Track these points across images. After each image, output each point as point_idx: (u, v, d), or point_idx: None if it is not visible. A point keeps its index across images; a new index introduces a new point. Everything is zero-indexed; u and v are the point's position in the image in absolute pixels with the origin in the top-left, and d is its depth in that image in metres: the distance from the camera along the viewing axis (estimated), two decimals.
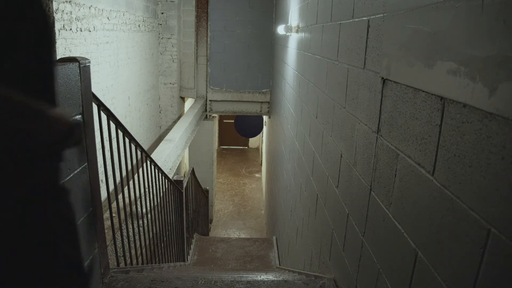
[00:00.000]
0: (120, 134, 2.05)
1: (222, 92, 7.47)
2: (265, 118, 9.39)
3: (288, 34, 3.95)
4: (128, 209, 2.52)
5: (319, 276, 1.97)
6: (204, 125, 7.58)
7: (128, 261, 2.32)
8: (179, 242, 3.80)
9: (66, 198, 1.11)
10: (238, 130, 9.50)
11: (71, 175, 1.26)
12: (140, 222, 2.72)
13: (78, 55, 2.01)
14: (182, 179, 3.78)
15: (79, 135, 1.12)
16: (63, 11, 3.28)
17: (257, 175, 10.50)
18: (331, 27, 2.03)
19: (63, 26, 3.30)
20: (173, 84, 7.30)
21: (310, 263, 2.44)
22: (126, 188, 2.28)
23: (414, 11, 1.00)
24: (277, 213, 5.15)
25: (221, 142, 12.95)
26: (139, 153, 2.35)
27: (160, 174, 2.95)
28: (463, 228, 0.75)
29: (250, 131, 9.61)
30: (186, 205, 4.08)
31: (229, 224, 7.78)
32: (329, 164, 1.98)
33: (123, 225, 2.16)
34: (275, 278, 2.15)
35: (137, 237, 2.44)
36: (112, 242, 2.03)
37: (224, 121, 12.74)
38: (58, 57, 1.30)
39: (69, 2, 3.38)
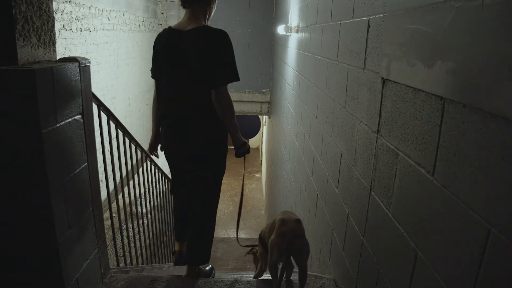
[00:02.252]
0: (120, 134, 2.05)
1: None
2: (265, 118, 9.38)
3: (288, 34, 3.95)
4: (128, 209, 2.52)
5: (319, 276, 1.97)
6: None
7: (128, 261, 2.32)
8: None
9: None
10: None
11: (71, 175, 1.26)
12: (140, 222, 2.72)
13: (78, 55, 2.01)
14: None
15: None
16: (63, 11, 3.28)
17: (257, 175, 10.49)
18: (331, 27, 2.03)
19: (63, 26, 3.29)
20: None
21: (310, 263, 2.44)
22: (126, 188, 2.28)
23: (414, 11, 1.00)
24: (277, 213, 5.15)
25: None
26: (139, 153, 2.35)
27: (160, 174, 2.95)
28: (463, 228, 0.75)
29: (247, 132, 9.50)
30: None
31: (229, 224, 7.78)
32: (329, 164, 1.98)
33: (123, 225, 2.16)
34: None
35: (137, 237, 2.44)
36: (112, 242, 2.03)
37: None
38: (58, 57, 1.30)
39: (69, 2, 3.38)
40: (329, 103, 2.02)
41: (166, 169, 4.10)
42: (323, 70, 2.20)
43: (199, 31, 1.77)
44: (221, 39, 1.76)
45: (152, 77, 1.96)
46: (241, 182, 2.18)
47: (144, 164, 2.53)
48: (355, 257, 1.46)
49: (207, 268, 2.22)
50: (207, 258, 2.09)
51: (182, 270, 2.73)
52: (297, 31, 3.52)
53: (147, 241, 2.68)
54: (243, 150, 1.97)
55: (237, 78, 1.80)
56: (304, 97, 2.96)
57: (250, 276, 2.38)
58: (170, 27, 1.88)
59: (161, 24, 7.03)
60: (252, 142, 13.29)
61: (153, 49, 1.93)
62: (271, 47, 7.12)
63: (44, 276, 1.20)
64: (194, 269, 2.07)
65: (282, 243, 1.57)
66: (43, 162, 1.08)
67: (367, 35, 1.40)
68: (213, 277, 2.19)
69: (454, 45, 0.80)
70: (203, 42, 1.75)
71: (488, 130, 0.69)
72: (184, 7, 1.86)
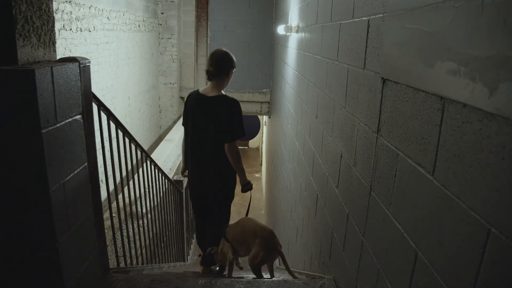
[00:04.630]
0: (120, 134, 2.05)
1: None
2: (265, 118, 9.38)
3: (288, 34, 3.95)
4: (128, 209, 2.52)
5: (319, 276, 1.97)
6: None
7: (128, 261, 2.32)
8: (179, 242, 3.80)
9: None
10: None
11: (71, 175, 1.26)
12: (140, 222, 2.72)
13: (78, 55, 2.00)
14: (182, 179, 3.78)
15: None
16: (63, 11, 3.28)
17: (257, 175, 10.49)
18: (331, 27, 2.03)
19: (63, 26, 3.30)
20: (173, 84, 7.30)
21: (310, 263, 2.44)
22: (126, 188, 2.28)
23: (414, 11, 1.00)
24: (277, 213, 5.15)
25: None
26: (139, 153, 2.35)
27: (160, 174, 2.95)
28: (463, 228, 0.75)
29: (247, 132, 9.45)
30: (186, 205, 4.08)
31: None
32: (329, 164, 1.98)
33: (123, 225, 2.16)
34: (275, 278, 2.15)
35: (137, 237, 2.44)
36: (112, 242, 2.03)
37: None
38: (58, 57, 1.30)
39: (69, 2, 3.38)
40: (329, 103, 2.02)
41: (166, 169, 4.10)
42: (323, 70, 2.20)
43: (219, 99, 2.52)
44: (234, 107, 2.49)
45: (183, 124, 2.75)
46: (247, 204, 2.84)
47: (144, 164, 2.53)
48: (355, 257, 1.46)
49: (217, 268, 2.84)
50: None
51: (182, 270, 2.73)
52: (297, 31, 3.52)
53: (147, 241, 2.68)
54: (247, 188, 2.68)
55: (243, 134, 2.53)
56: (304, 97, 2.96)
57: (250, 276, 2.38)
58: (198, 91, 2.61)
59: (161, 24, 7.03)
60: (252, 142, 13.29)
61: (185, 104, 2.69)
62: (271, 47, 7.12)
63: (44, 276, 1.20)
64: (208, 269, 2.80)
65: (271, 252, 2.14)
66: (43, 162, 1.08)
67: (367, 35, 1.40)
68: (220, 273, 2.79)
69: (454, 45, 0.80)
70: (221, 108, 2.48)
71: (488, 130, 0.69)
72: (209, 79, 2.57)
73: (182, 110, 7.99)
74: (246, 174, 2.72)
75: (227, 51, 2.59)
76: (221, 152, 2.50)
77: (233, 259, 2.40)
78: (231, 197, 2.77)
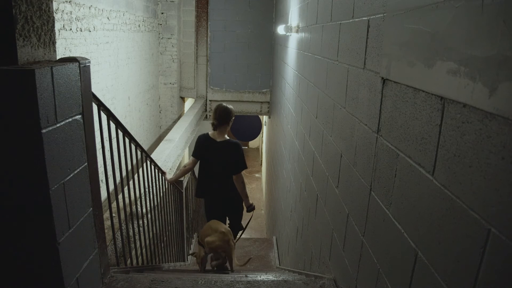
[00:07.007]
0: (120, 134, 2.05)
1: (222, 92, 7.47)
2: (265, 118, 9.38)
3: (288, 34, 3.95)
4: (128, 209, 2.52)
5: (319, 276, 1.97)
6: (204, 125, 7.57)
7: (128, 261, 2.32)
8: (179, 242, 3.80)
9: None
10: (235, 133, 9.28)
11: (71, 175, 1.26)
12: (140, 222, 2.72)
13: (78, 55, 2.01)
14: (182, 179, 3.78)
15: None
16: (63, 11, 3.28)
17: (257, 175, 10.48)
18: (331, 27, 2.03)
19: (63, 26, 3.30)
20: (173, 84, 7.30)
21: (310, 263, 2.44)
22: (126, 188, 2.28)
23: (414, 11, 1.00)
24: (277, 213, 5.15)
25: None
26: (139, 153, 2.35)
27: (160, 174, 2.95)
28: (463, 228, 0.75)
29: (248, 133, 9.40)
30: (186, 205, 4.08)
31: None
32: (329, 164, 1.98)
33: (123, 225, 2.16)
34: (275, 278, 2.15)
35: (137, 237, 2.44)
36: (112, 242, 2.03)
37: None
38: (58, 57, 1.30)
39: (69, 2, 3.38)
40: (329, 103, 2.02)
41: (166, 169, 4.10)
42: (323, 70, 2.20)
43: (226, 143, 3.36)
44: (237, 148, 3.35)
45: (193, 155, 3.46)
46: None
47: (144, 164, 2.53)
48: (355, 257, 1.46)
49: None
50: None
51: (182, 270, 2.73)
52: (297, 31, 3.52)
53: (147, 241, 2.68)
54: (250, 209, 3.52)
55: (246, 167, 3.44)
56: (304, 97, 2.96)
57: (250, 276, 2.38)
58: (208, 134, 3.43)
59: (161, 24, 7.03)
60: (252, 142, 13.28)
61: (196, 142, 3.47)
62: (271, 47, 7.12)
63: (44, 276, 1.20)
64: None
65: (224, 239, 2.90)
66: (43, 162, 1.08)
67: (367, 35, 1.40)
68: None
69: (454, 45, 0.80)
70: (229, 150, 3.34)
71: (488, 130, 0.69)
72: (214, 129, 3.39)
73: (182, 110, 8.01)
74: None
75: (227, 106, 3.41)
76: (230, 182, 3.35)
77: (202, 256, 3.09)
78: (240, 213, 3.65)
